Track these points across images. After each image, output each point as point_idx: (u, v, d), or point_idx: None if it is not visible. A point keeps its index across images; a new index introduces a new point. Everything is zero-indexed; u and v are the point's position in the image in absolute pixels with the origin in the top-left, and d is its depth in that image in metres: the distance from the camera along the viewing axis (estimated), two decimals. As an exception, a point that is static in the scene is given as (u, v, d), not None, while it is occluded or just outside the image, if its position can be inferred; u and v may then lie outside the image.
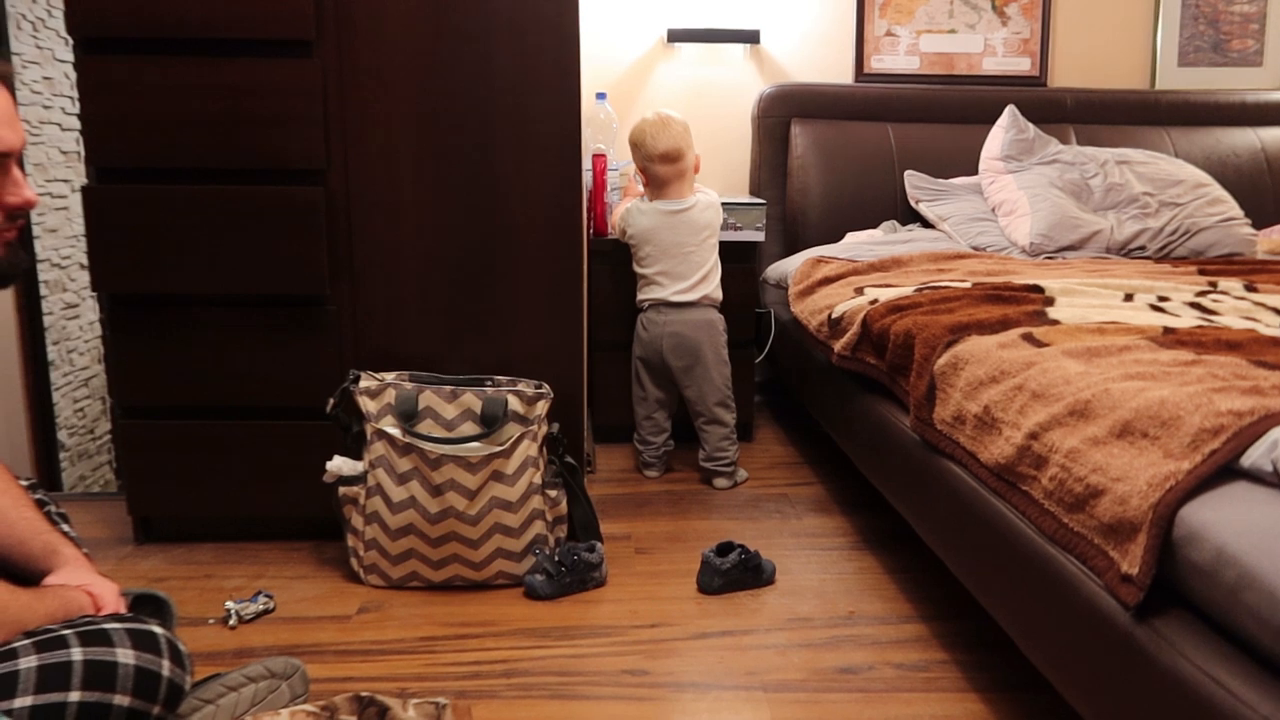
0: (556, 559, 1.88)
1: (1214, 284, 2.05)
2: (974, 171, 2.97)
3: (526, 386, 1.92)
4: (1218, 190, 2.70)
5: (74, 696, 1.11)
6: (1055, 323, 1.66)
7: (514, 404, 1.87)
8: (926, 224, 2.90)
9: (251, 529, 2.12)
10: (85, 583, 1.32)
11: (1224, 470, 1.07)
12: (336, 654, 1.67)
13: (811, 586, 1.93)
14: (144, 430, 2.04)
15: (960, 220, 2.76)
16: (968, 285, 2.01)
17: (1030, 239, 2.55)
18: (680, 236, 2.43)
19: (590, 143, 2.85)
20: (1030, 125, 2.88)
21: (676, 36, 3.06)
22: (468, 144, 1.97)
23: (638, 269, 2.50)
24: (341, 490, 1.89)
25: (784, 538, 2.16)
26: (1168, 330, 1.55)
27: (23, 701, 1.08)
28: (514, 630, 1.76)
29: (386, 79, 1.94)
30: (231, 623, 1.77)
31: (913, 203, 2.93)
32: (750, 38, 3.08)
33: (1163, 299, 1.86)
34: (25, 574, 1.29)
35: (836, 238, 2.92)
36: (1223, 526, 0.99)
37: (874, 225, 2.94)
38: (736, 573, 1.90)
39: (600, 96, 2.90)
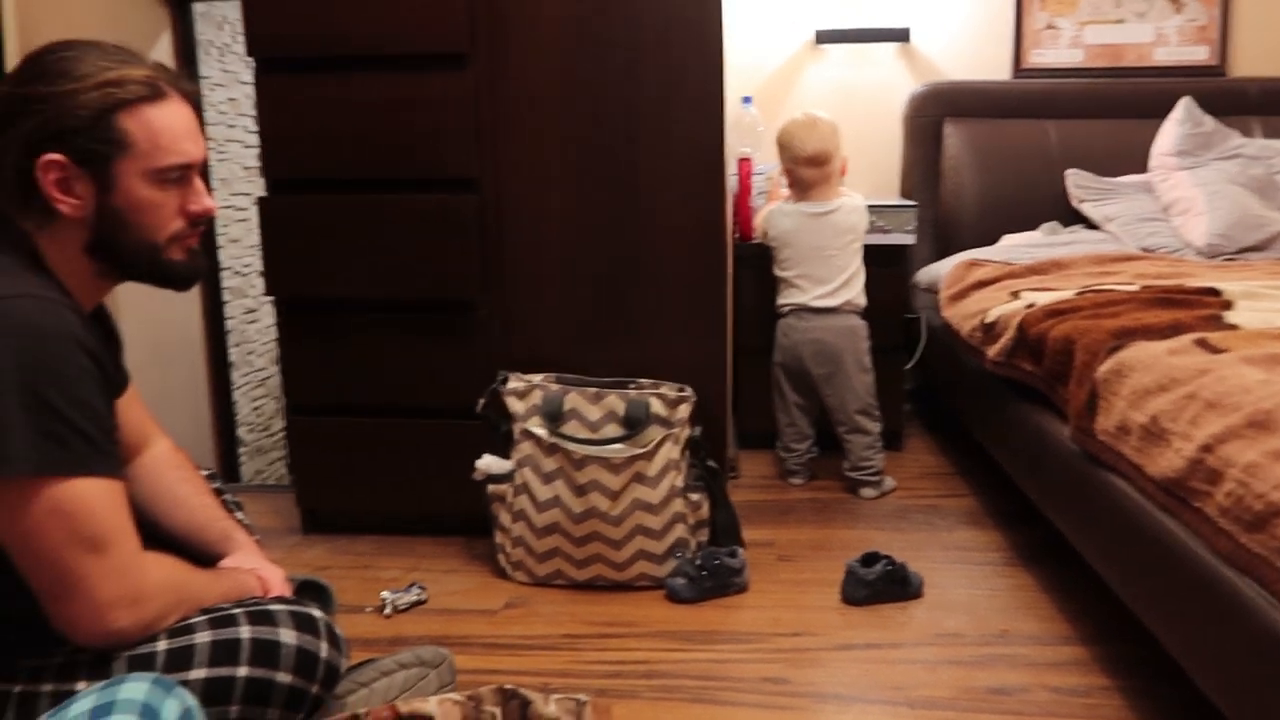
0: (698, 563, 1.88)
1: None
2: (1143, 169, 2.79)
3: (669, 389, 1.93)
4: None
5: (242, 671, 1.19)
6: (1233, 328, 1.55)
7: (656, 406, 1.89)
8: (1090, 225, 2.74)
9: (408, 523, 2.22)
10: (255, 567, 1.41)
11: None
12: (484, 646, 1.73)
13: (961, 601, 1.86)
14: (311, 426, 2.17)
15: (1128, 220, 2.60)
16: (1135, 288, 1.89)
17: (1207, 239, 2.38)
18: (822, 240, 2.40)
19: (736, 147, 2.84)
20: (1208, 118, 2.69)
21: (825, 38, 3.02)
22: (612, 151, 2.00)
23: (778, 272, 2.48)
24: (490, 488, 1.95)
25: (933, 550, 2.09)
26: (1366, 336, 1.41)
27: (197, 674, 1.16)
28: (655, 632, 1.77)
29: (535, 89, 2.00)
30: (386, 611, 1.85)
31: (1075, 203, 2.78)
32: (900, 36, 3.01)
33: (1361, 303, 1.70)
34: (201, 556, 1.40)
35: (992, 240, 2.80)
36: None
37: (1032, 227, 2.81)
38: (882, 584, 1.85)
39: (746, 100, 2.89)
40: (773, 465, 2.65)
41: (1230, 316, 1.62)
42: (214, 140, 3.50)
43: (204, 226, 1.28)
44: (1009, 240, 2.74)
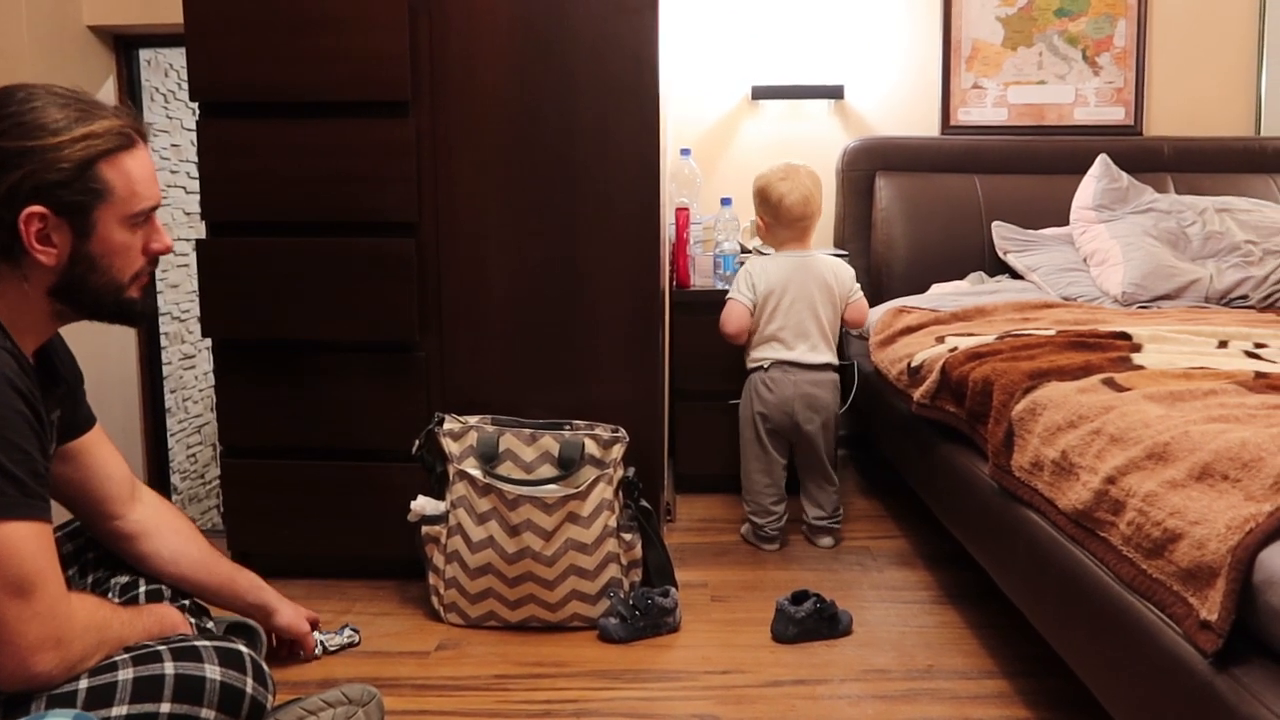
0: (631, 603, 1.89)
1: (1318, 332, 1.96)
2: (1065, 222, 2.91)
3: (603, 430, 1.95)
4: (1328, 238, 2.59)
5: (165, 708, 1.18)
6: (1140, 368, 1.62)
7: (590, 447, 1.91)
8: (1015, 275, 2.85)
9: (342, 566, 2.19)
10: (294, 616, 1.63)
11: (1308, 513, 1.02)
12: (414, 688, 1.71)
13: (889, 639, 1.89)
14: (245, 469, 2.15)
15: (1050, 271, 2.71)
16: (1052, 333, 1.97)
17: (1122, 288, 2.48)
18: (808, 288, 2.36)
19: (674, 197, 2.91)
20: (1124, 174, 2.82)
21: (761, 93, 3.12)
22: (550, 199, 2.05)
23: (761, 326, 2.39)
24: (424, 529, 1.95)
25: (863, 590, 2.12)
26: (1259, 375, 1.49)
27: (119, 710, 1.15)
28: (586, 671, 1.77)
29: (475, 138, 2.04)
30: (318, 652, 1.83)
31: (1001, 254, 2.89)
32: (834, 93, 3.12)
33: (1260, 345, 1.79)
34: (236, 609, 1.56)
35: (922, 289, 2.89)
36: (1305, 570, 0.95)
37: (960, 276, 2.91)
38: (811, 622, 1.87)
39: (685, 152, 2.97)
40: (709, 508, 2.67)
41: (1137, 358, 1.70)
42: (155, 185, 3.50)
43: (157, 265, 1.33)
44: (937, 289, 2.83)
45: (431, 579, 1.97)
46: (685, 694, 1.69)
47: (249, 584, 1.68)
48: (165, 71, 3.61)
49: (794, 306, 2.36)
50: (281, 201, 2.05)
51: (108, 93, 3.03)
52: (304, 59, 2.00)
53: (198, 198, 3.50)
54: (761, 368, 2.39)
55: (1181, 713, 1.08)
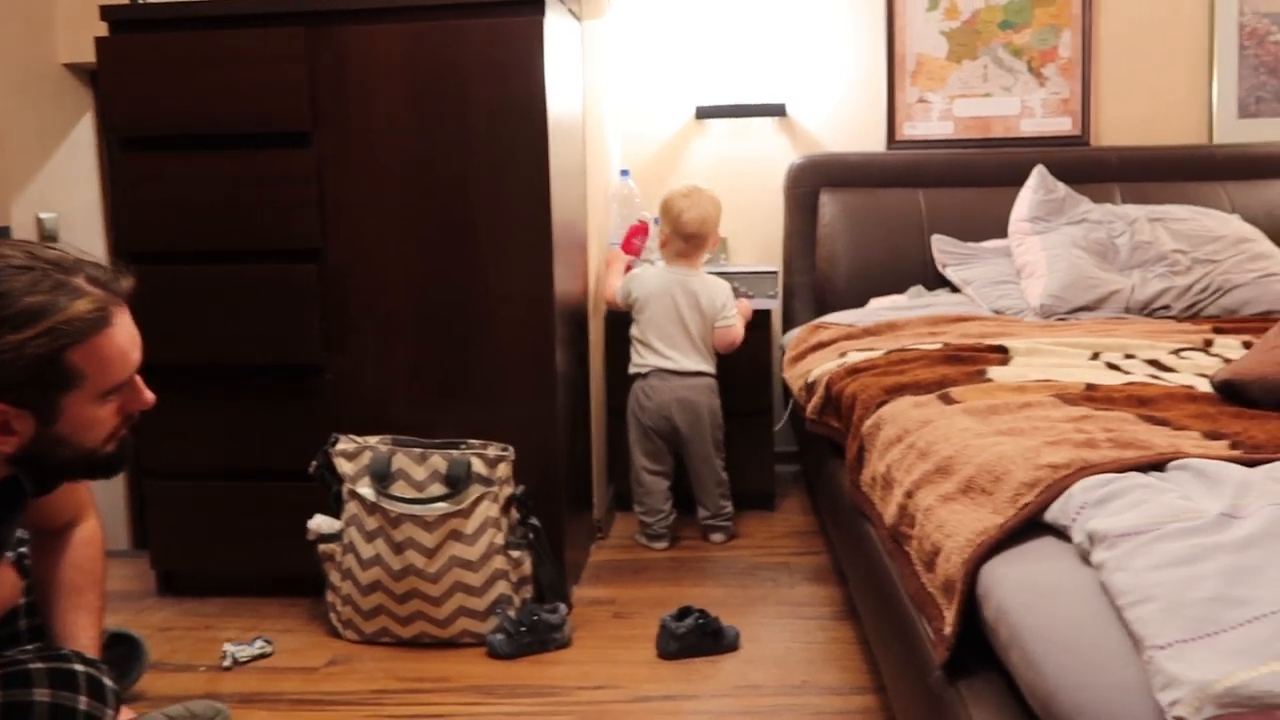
0: (517, 619, 1.93)
1: (1209, 342, 1.93)
2: (1007, 235, 2.88)
3: (492, 449, 1.99)
4: (1263, 245, 2.53)
5: None
6: (989, 381, 1.62)
7: (477, 465, 1.95)
8: (955, 289, 2.83)
9: (259, 585, 2.26)
10: None
11: (1039, 525, 1.03)
12: (290, 703, 1.76)
13: (774, 655, 1.89)
14: (165, 490, 2.23)
15: (983, 284, 2.69)
16: (937, 347, 1.97)
17: (1041, 300, 2.46)
18: (682, 305, 2.51)
19: (617, 218, 2.94)
20: (1060, 185, 2.79)
21: (705, 113, 3.15)
22: (449, 223, 2.10)
23: (636, 333, 2.57)
24: (321, 547, 2.01)
25: (768, 605, 2.13)
26: (1090, 386, 1.49)
27: None
28: (465, 687, 1.81)
29: (375, 165, 2.11)
30: (226, 663, 1.90)
31: (939, 267, 2.87)
32: (778, 111, 3.14)
33: (1128, 357, 1.78)
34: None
35: (864, 304, 2.88)
36: (1006, 584, 0.96)
37: (902, 291, 2.89)
38: (693, 638, 1.89)
39: (624, 173, 3.01)
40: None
41: (993, 371, 1.69)
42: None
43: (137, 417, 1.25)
44: (875, 303, 2.82)
45: (329, 596, 2.02)
46: (552, 710, 1.71)
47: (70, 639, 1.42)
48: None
49: (663, 316, 2.52)
50: (191, 231, 2.14)
51: (85, 128, 3.15)
52: (210, 93, 2.10)
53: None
54: (641, 375, 2.54)
55: (931, 726, 1.09)
